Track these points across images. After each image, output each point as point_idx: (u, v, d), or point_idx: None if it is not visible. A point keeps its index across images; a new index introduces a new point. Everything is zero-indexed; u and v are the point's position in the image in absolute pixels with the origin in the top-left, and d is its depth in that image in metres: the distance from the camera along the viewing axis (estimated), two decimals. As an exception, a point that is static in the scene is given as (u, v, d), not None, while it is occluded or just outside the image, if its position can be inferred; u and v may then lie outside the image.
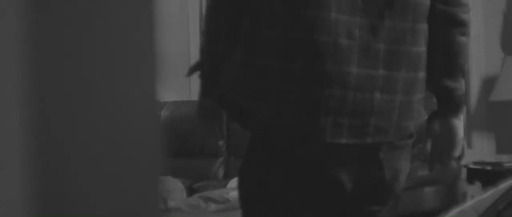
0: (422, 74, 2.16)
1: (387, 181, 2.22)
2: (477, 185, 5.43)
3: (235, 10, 2.21)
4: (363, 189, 2.19)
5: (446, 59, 2.20)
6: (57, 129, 0.91)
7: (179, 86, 6.63)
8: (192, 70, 2.41)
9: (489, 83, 5.80)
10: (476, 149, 5.91)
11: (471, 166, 5.53)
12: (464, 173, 5.50)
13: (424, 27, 2.15)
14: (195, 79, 7.29)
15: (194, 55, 6.66)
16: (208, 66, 2.31)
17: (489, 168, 5.44)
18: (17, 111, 0.87)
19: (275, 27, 2.08)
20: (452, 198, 5.23)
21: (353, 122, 2.09)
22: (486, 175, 5.39)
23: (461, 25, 2.18)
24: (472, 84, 5.94)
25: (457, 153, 2.34)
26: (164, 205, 4.75)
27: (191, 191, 5.58)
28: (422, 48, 2.15)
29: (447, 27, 2.18)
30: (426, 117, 2.26)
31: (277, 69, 2.07)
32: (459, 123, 2.28)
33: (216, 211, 4.81)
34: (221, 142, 6.24)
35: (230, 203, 4.85)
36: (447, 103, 2.29)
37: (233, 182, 5.47)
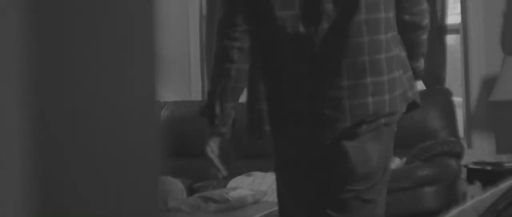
0: (397, 74, 2.75)
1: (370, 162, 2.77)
2: (477, 185, 5.43)
3: (241, 55, 2.74)
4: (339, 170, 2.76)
5: (412, 50, 2.88)
6: (57, 129, 0.91)
7: (179, 86, 6.63)
8: (203, 112, 2.85)
9: (489, 83, 5.80)
10: (476, 149, 5.91)
11: (471, 166, 5.52)
12: (464, 173, 5.49)
13: (393, 34, 2.75)
14: (195, 79, 7.23)
15: (194, 55, 6.67)
16: (218, 109, 2.79)
17: (489, 168, 5.44)
18: (17, 111, 0.87)
19: (285, 63, 2.69)
20: (452, 198, 5.23)
21: (353, 123, 2.67)
22: (486, 175, 5.39)
23: (423, 29, 2.89)
24: (472, 84, 5.94)
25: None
26: (164, 205, 4.75)
27: (191, 191, 5.58)
28: (392, 53, 2.74)
29: (413, 31, 2.86)
30: (404, 109, 2.83)
31: (289, 94, 2.69)
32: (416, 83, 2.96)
33: (216, 211, 4.81)
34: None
35: (230, 203, 4.85)
36: None
37: (233, 182, 5.47)
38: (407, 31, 2.82)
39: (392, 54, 2.72)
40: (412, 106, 2.86)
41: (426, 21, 2.87)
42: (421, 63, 2.99)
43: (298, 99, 2.69)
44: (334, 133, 2.68)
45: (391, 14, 2.73)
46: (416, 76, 2.95)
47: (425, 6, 2.86)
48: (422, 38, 2.90)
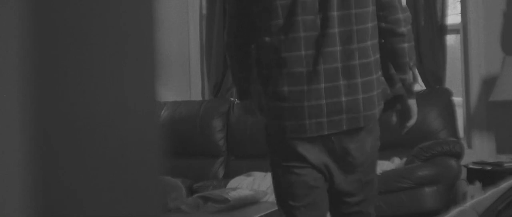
0: (375, 76, 3.09)
1: (357, 154, 3.16)
2: (477, 185, 5.43)
3: (244, 59, 3.29)
4: (341, 162, 3.13)
5: (394, 59, 3.18)
6: (57, 129, 0.91)
7: (179, 86, 6.63)
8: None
9: (489, 83, 5.80)
10: (476, 149, 5.91)
11: (471, 166, 5.52)
12: (464, 173, 5.50)
13: (369, 43, 3.07)
14: (195, 79, 7.22)
15: (194, 55, 6.66)
16: (236, 86, 3.43)
17: (489, 168, 5.44)
18: (17, 111, 0.87)
19: (269, 66, 3.12)
20: (452, 198, 5.23)
21: (330, 119, 3.05)
22: (486, 175, 5.39)
23: (399, 36, 3.13)
24: (472, 84, 5.94)
25: (413, 122, 3.26)
26: (164, 205, 4.75)
27: (191, 191, 5.58)
28: (369, 59, 3.07)
29: (389, 38, 3.14)
30: (382, 105, 3.16)
31: (273, 92, 3.11)
32: (414, 102, 3.24)
33: (216, 211, 4.81)
34: (221, 142, 6.25)
35: (230, 203, 4.85)
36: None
37: (233, 182, 5.47)
38: (384, 37, 3.14)
39: (369, 60, 3.08)
40: (397, 98, 3.21)
41: (402, 29, 3.14)
42: (409, 76, 3.24)
43: (280, 99, 3.09)
44: (315, 127, 3.06)
45: (369, 25, 3.07)
46: (406, 90, 3.20)
47: (400, 15, 3.14)
48: (401, 46, 3.16)
